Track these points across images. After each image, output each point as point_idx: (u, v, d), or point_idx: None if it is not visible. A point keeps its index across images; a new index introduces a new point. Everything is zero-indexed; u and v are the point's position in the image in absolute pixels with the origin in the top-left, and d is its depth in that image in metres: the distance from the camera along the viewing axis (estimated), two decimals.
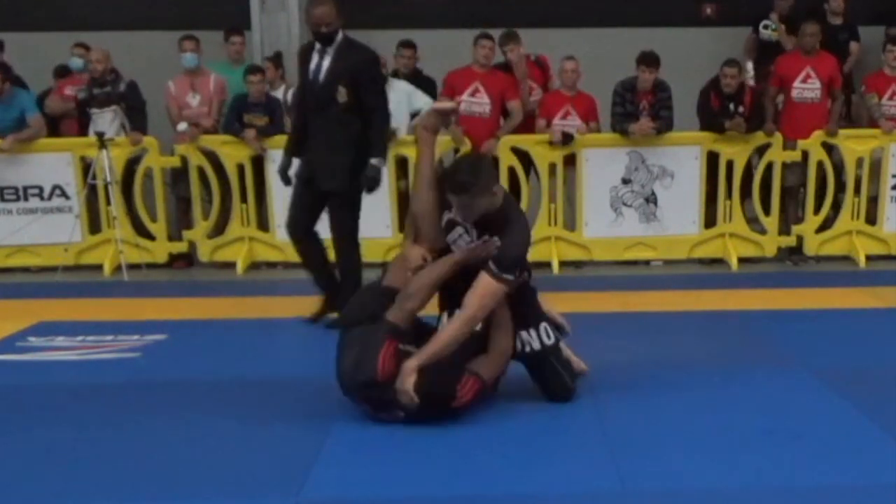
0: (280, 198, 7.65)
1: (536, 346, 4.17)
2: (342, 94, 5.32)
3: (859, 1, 8.93)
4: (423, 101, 7.68)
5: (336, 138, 5.38)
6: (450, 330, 3.93)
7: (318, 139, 5.41)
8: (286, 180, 5.67)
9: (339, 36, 5.36)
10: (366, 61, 5.45)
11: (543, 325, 4.23)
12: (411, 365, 3.78)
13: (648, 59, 7.51)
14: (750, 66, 8.69)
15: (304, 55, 5.49)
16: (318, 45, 5.36)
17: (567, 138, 7.53)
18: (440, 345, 3.86)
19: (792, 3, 8.84)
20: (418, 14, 9.65)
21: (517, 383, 4.38)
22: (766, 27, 8.85)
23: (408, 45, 8.04)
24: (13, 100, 7.62)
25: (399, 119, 7.62)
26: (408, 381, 3.76)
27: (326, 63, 5.35)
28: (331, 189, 5.41)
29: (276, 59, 8.48)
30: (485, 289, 3.92)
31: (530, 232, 4.34)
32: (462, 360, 3.95)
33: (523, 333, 4.17)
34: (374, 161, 5.43)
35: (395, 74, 7.95)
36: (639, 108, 7.56)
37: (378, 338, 3.85)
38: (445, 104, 4.43)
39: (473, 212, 4.03)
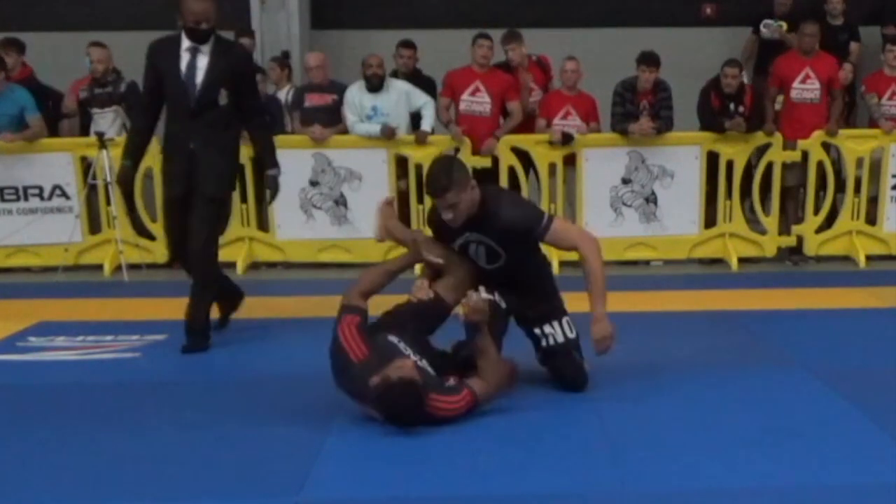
0: (280, 198, 7.62)
1: (560, 339, 4.38)
2: (224, 96, 5.01)
3: (859, 1, 8.94)
4: (422, 100, 7.68)
5: (219, 143, 5.06)
6: (596, 265, 4.45)
7: (196, 144, 4.98)
8: (128, 188, 5.36)
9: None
10: (245, 60, 5.24)
11: (566, 318, 4.44)
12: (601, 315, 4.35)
13: (649, 59, 7.51)
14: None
15: (166, 53, 5.01)
16: (188, 44, 4.96)
17: (567, 138, 7.53)
18: (600, 282, 4.46)
19: (791, 4, 8.85)
20: (418, 14, 9.66)
21: (517, 383, 4.39)
22: (766, 26, 8.86)
23: (407, 45, 8.03)
24: (11, 95, 7.59)
25: (398, 118, 7.63)
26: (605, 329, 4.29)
27: (203, 63, 4.97)
28: (213, 194, 5.06)
29: (283, 59, 8.47)
30: (562, 234, 4.37)
31: (522, 198, 4.62)
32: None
33: (546, 327, 4.37)
34: (271, 172, 5.32)
35: (395, 74, 7.95)
36: (639, 108, 7.56)
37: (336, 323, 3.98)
38: (435, 260, 4.26)
39: (461, 210, 4.07)
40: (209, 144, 5.00)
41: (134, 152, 5.22)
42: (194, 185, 5.02)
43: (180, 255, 5.28)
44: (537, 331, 4.41)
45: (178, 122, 5.03)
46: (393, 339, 3.95)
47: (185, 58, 4.97)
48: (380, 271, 4.30)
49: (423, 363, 3.91)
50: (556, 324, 4.40)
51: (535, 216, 4.24)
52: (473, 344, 4.02)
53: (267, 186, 5.39)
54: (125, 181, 5.31)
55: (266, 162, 5.35)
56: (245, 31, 8.48)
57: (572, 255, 7.63)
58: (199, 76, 4.96)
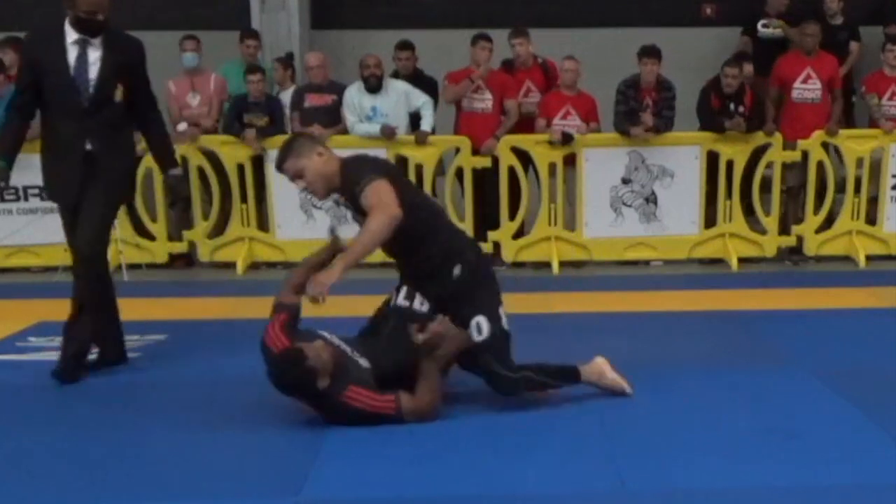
0: (280, 198, 7.67)
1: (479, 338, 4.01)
2: (119, 92, 4.63)
3: (859, 0, 8.93)
4: (421, 100, 7.68)
5: (117, 143, 4.69)
6: (369, 228, 3.84)
7: (94, 146, 4.59)
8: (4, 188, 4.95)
9: None
10: (139, 52, 4.80)
11: (476, 318, 4.02)
12: (338, 266, 3.85)
13: (650, 52, 7.52)
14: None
15: (48, 46, 4.59)
16: (76, 36, 4.54)
17: (567, 138, 7.53)
18: (362, 244, 3.86)
19: (786, 3, 8.85)
20: (418, 14, 9.66)
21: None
22: (765, 25, 8.86)
23: (405, 46, 8.02)
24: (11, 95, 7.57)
25: (398, 119, 7.63)
26: (330, 276, 3.80)
27: (95, 56, 4.56)
28: (115, 199, 4.80)
29: (287, 60, 8.47)
30: (369, 196, 3.88)
31: (378, 162, 4.20)
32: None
33: (478, 317, 4.03)
34: (174, 172, 4.99)
35: (395, 76, 7.94)
36: (642, 105, 7.56)
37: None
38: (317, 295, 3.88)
39: (310, 180, 4.04)
40: (107, 145, 4.62)
41: (8, 153, 4.71)
42: (89, 189, 4.61)
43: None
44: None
45: (68, 122, 4.58)
46: (326, 334, 3.96)
47: (72, 51, 4.54)
48: (303, 266, 4.22)
49: (356, 356, 3.90)
50: (481, 317, 4.02)
51: (359, 177, 3.92)
52: (419, 364, 3.95)
53: (169, 185, 4.98)
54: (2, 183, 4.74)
55: (166, 161, 4.96)
56: (250, 31, 8.46)
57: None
58: (93, 71, 4.56)
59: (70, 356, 4.67)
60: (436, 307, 4.06)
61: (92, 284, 4.70)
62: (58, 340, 5.29)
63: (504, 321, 4.09)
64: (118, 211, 4.85)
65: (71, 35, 4.56)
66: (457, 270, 4.05)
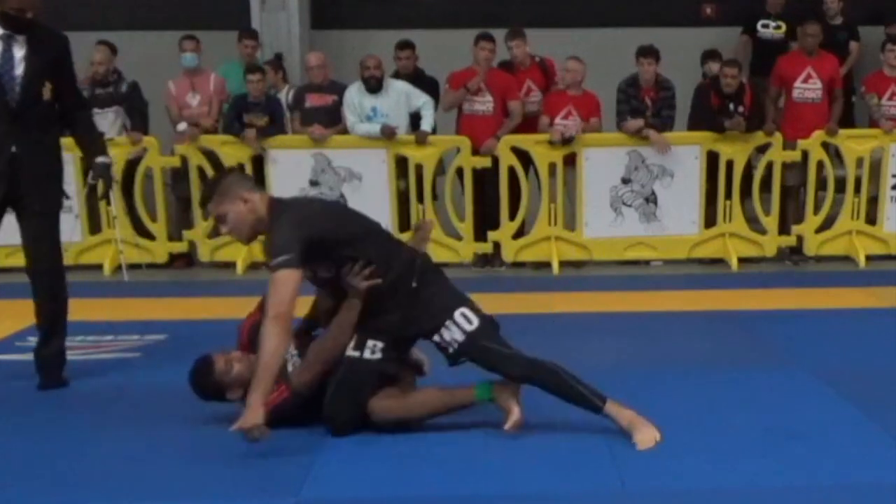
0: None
1: (460, 337, 3.77)
2: (47, 91, 4.41)
3: (859, 1, 8.93)
4: (421, 100, 7.68)
5: (46, 145, 4.51)
6: (264, 351, 3.56)
7: (19, 148, 4.39)
8: None
9: None
10: (66, 48, 4.57)
11: (459, 311, 3.81)
12: (255, 404, 3.54)
13: (647, 51, 7.53)
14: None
15: None
16: (1, 32, 4.33)
17: (567, 140, 7.52)
18: (263, 372, 3.55)
19: (784, 3, 8.85)
20: (418, 14, 9.66)
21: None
22: (765, 26, 8.87)
23: (406, 45, 8.01)
24: None
25: (398, 119, 7.63)
26: (253, 417, 3.53)
27: (20, 53, 4.34)
28: (51, 207, 4.61)
29: (277, 61, 8.46)
30: (272, 283, 3.58)
31: (304, 217, 3.77)
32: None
33: (443, 333, 3.78)
34: (101, 159, 4.74)
35: (396, 76, 7.94)
36: (643, 104, 7.56)
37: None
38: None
39: (231, 224, 3.78)
40: (35, 147, 4.43)
41: None
42: (15, 195, 4.44)
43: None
44: (437, 339, 3.83)
45: None
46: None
47: None
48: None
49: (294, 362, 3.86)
50: (450, 324, 3.79)
51: (276, 250, 3.64)
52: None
53: (97, 175, 4.79)
54: None
55: (95, 151, 4.75)
56: (248, 31, 8.44)
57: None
58: (19, 69, 4.34)
59: (48, 361, 4.64)
60: (393, 340, 3.83)
61: (55, 292, 4.67)
62: None
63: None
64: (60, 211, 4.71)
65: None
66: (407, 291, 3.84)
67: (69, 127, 4.70)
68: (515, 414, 3.73)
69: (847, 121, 8.37)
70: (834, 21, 8.74)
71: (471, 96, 7.65)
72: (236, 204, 3.74)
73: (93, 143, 4.79)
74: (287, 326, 3.59)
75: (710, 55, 8.19)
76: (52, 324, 4.66)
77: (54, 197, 4.64)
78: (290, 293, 3.57)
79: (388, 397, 3.82)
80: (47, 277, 4.61)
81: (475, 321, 3.81)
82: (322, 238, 3.70)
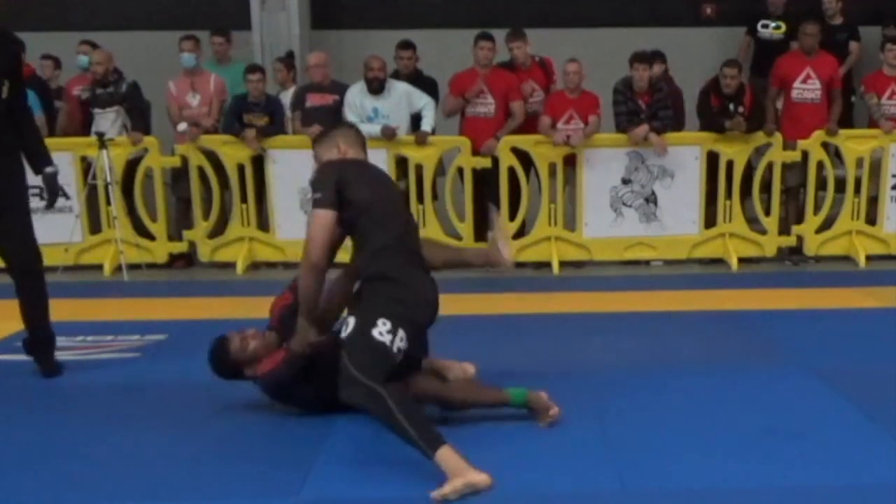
0: (280, 198, 7.67)
1: (343, 334, 3.68)
2: (5, 90, 4.43)
3: (859, 1, 8.94)
4: (422, 101, 7.68)
5: (7, 144, 4.53)
6: (301, 289, 3.82)
7: None
8: None
9: None
10: (18, 50, 4.69)
11: (382, 319, 3.63)
12: (301, 329, 3.85)
13: (641, 57, 7.53)
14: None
15: None
16: None
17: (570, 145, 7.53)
18: (302, 305, 3.81)
19: (784, 3, 8.86)
20: (418, 14, 9.66)
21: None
22: (765, 26, 8.87)
23: (406, 45, 8.01)
24: None
25: (399, 119, 7.63)
26: (301, 341, 3.85)
27: None
28: (20, 205, 4.62)
29: (288, 59, 8.44)
30: (308, 223, 3.79)
31: (342, 165, 3.93)
32: None
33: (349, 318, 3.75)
34: (49, 169, 4.75)
35: (395, 75, 7.94)
36: (638, 106, 7.56)
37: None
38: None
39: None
40: None
41: None
42: None
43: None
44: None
45: None
46: None
47: None
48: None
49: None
50: (351, 319, 3.73)
51: (313, 189, 3.84)
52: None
53: (46, 185, 4.80)
54: None
55: (41, 160, 4.73)
56: (218, 30, 8.32)
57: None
58: None
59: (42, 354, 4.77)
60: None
61: (37, 282, 4.70)
62: (58, 340, 5.30)
63: (384, 335, 3.59)
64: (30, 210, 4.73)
65: None
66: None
67: (15, 128, 4.63)
68: (553, 409, 3.92)
69: (846, 121, 8.37)
70: (834, 21, 8.74)
71: (473, 98, 7.65)
72: (331, 151, 4.01)
73: (40, 148, 4.78)
74: (320, 277, 3.76)
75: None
76: (38, 315, 4.76)
77: (20, 193, 4.63)
78: (321, 237, 3.71)
79: (428, 377, 3.98)
80: (29, 270, 4.62)
81: (350, 330, 3.63)
82: (341, 189, 3.79)
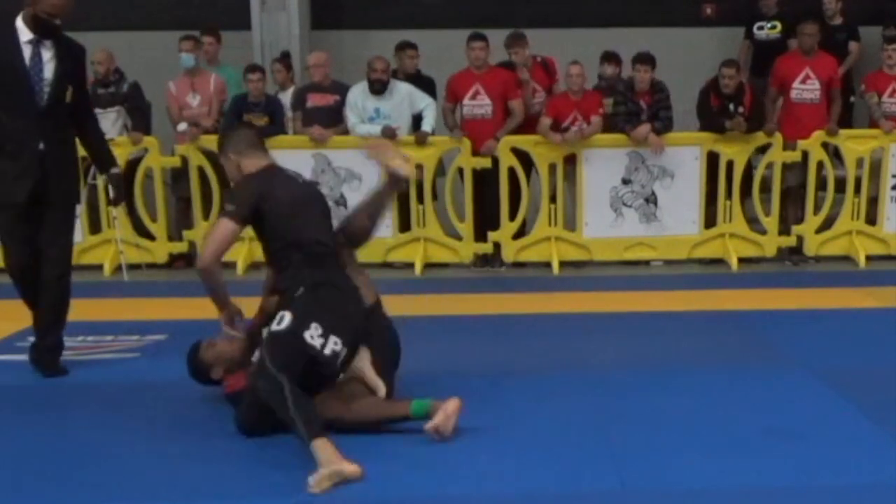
0: None
1: (275, 328, 3.77)
2: (69, 94, 4.64)
3: (859, 1, 8.93)
4: (424, 102, 7.67)
5: (67, 144, 4.74)
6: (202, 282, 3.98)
7: (46, 145, 4.57)
8: None
9: None
10: (84, 56, 4.87)
11: (315, 324, 3.75)
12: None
13: (643, 58, 7.53)
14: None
15: (1, 43, 4.55)
16: (29, 35, 4.53)
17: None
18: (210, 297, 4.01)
19: (778, 4, 8.85)
20: (418, 14, 9.65)
21: (516, 384, 4.39)
22: (760, 28, 8.88)
23: (409, 45, 8.00)
24: None
25: (401, 120, 7.63)
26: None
27: (48, 56, 4.56)
28: (71, 202, 4.86)
29: (284, 59, 8.44)
30: (209, 232, 4.01)
31: (262, 180, 4.01)
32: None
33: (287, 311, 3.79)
34: (114, 170, 5.01)
35: (395, 74, 7.93)
36: (638, 107, 7.56)
37: None
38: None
39: (231, 178, 4.22)
40: (59, 145, 4.65)
41: None
42: (42, 191, 4.60)
43: (24, 272, 4.73)
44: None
45: (20, 121, 4.54)
46: None
47: (26, 51, 4.53)
48: None
49: None
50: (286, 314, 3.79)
51: (225, 202, 4.13)
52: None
53: (113, 185, 5.08)
54: None
55: (106, 161, 4.98)
56: (209, 30, 8.32)
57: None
58: (47, 71, 4.56)
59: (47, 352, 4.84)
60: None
61: (64, 294, 4.81)
62: None
63: (315, 338, 3.70)
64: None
65: (24, 34, 4.54)
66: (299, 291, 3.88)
67: (80, 129, 4.86)
68: (447, 407, 3.72)
69: (846, 121, 8.36)
70: (833, 21, 8.73)
71: (469, 100, 7.65)
72: (228, 158, 4.13)
73: (104, 152, 5.00)
74: (213, 276, 3.96)
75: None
76: (56, 320, 4.82)
77: (74, 191, 4.89)
78: (220, 247, 3.88)
79: (330, 396, 3.82)
80: (58, 270, 4.72)
81: (284, 325, 3.72)
82: (261, 202, 3.90)
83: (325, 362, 3.72)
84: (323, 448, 3.39)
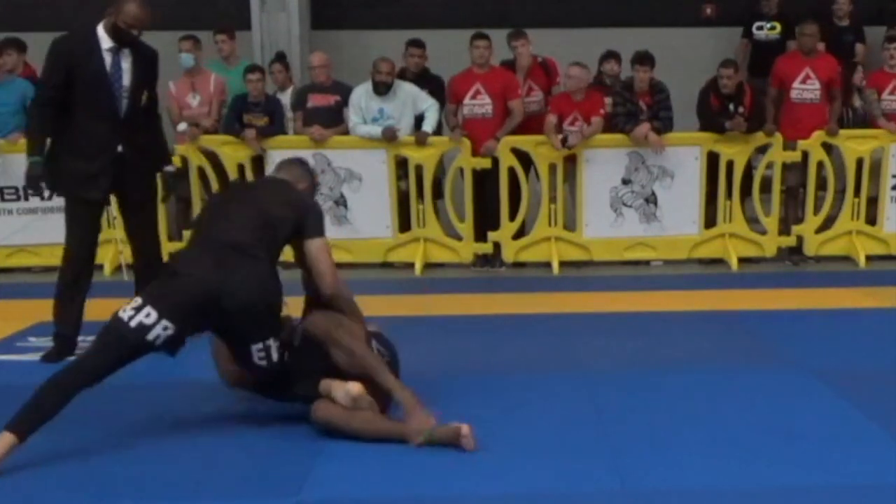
0: None
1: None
2: (145, 98, 5.04)
3: (863, 1, 8.92)
4: (426, 103, 7.67)
5: (143, 146, 5.07)
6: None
7: (124, 148, 4.93)
8: (40, 189, 5.10)
9: None
10: (156, 58, 5.20)
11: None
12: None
13: (643, 59, 7.53)
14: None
15: (84, 52, 4.87)
16: (110, 44, 4.86)
17: (569, 146, 7.52)
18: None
19: (778, 4, 8.85)
20: (419, 14, 9.65)
21: (516, 384, 4.39)
22: (760, 28, 8.88)
23: (417, 44, 7.98)
24: (12, 85, 7.61)
25: (404, 121, 7.62)
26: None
27: (127, 64, 4.92)
28: (150, 199, 5.28)
29: (280, 60, 8.43)
30: (321, 249, 4.00)
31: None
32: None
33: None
34: (169, 168, 5.38)
35: (403, 73, 7.92)
36: (638, 107, 7.56)
37: None
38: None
39: None
40: (135, 148, 4.98)
41: (42, 149, 4.96)
42: (119, 189, 5.02)
43: (80, 263, 5.03)
44: None
45: (100, 125, 4.88)
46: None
47: (107, 58, 4.86)
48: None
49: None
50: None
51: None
52: None
53: (165, 182, 5.37)
54: (40, 179, 4.96)
55: (163, 159, 5.34)
56: (222, 29, 8.32)
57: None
58: (126, 78, 4.90)
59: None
60: None
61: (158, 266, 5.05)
62: None
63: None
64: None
65: (105, 43, 4.85)
66: None
67: (145, 128, 5.15)
68: (463, 430, 3.62)
69: (853, 122, 8.32)
70: (841, 23, 8.70)
71: (470, 100, 7.65)
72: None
73: (162, 151, 5.37)
74: (341, 297, 4.06)
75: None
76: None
77: (152, 189, 5.26)
78: (332, 262, 4.03)
79: (333, 405, 3.76)
80: (151, 265, 5.01)
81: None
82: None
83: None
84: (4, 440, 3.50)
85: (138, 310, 3.75)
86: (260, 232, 3.87)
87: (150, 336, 3.73)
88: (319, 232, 4.01)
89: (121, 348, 3.77)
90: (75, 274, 5.01)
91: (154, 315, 3.72)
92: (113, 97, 4.87)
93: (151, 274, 4.96)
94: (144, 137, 5.07)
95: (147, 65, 5.03)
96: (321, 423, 3.77)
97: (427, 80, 7.89)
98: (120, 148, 4.92)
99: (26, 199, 7.63)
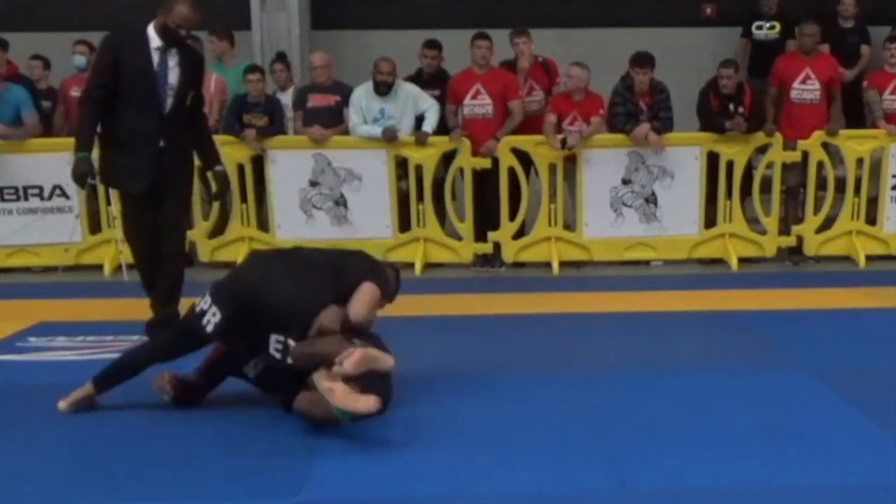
0: (280, 198, 7.68)
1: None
2: (190, 97, 5.20)
3: (867, 1, 8.92)
4: (427, 103, 7.67)
5: (184, 143, 5.25)
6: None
7: (166, 143, 5.11)
8: (86, 185, 5.37)
9: None
10: (202, 63, 5.46)
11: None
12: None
13: (641, 60, 7.51)
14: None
15: (134, 49, 5.06)
16: (159, 42, 5.05)
17: (569, 147, 7.52)
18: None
19: (778, 4, 8.84)
20: (418, 14, 9.66)
21: (515, 384, 4.39)
22: (759, 27, 8.88)
23: (432, 45, 7.96)
24: (7, 95, 7.61)
25: (404, 121, 7.62)
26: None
27: (174, 63, 5.09)
28: (186, 197, 5.57)
29: (280, 60, 8.43)
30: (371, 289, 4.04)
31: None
32: None
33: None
34: (219, 168, 5.54)
35: (419, 73, 7.90)
36: (638, 108, 7.56)
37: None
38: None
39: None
40: (177, 144, 5.15)
41: (90, 145, 5.13)
42: (161, 184, 5.14)
43: (146, 254, 5.26)
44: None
45: (146, 121, 5.05)
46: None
47: (155, 56, 5.04)
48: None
49: None
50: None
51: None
52: None
53: (217, 181, 5.58)
54: (87, 175, 5.13)
55: (213, 158, 5.51)
56: (216, 31, 8.32)
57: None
58: (172, 76, 5.06)
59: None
60: None
61: (181, 271, 5.38)
62: (58, 340, 5.32)
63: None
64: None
65: (154, 41, 5.04)
66: None
67: (193, 127, 5.33)
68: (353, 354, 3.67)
69: (857, 123, 8.30)
70: (846, 24, 8.69)
71: (471, 99, 7.65)
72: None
73: (212, 151, 5.51)
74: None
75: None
76: (173, 294, 5.32)
77: (189, 186, 5.48)
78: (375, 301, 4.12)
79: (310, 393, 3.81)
80: (174, 259, 5.27)
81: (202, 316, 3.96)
82: None
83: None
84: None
85: (203, 296, 4.00)
86: (331, 274, 4.06)
87: (204, 321, 3.95)
88: (380, 283, 4.11)
89: (182, 332, 4.12)
90: (148, 266, 5.26)
91: (208, 300, 3.96)
92: (157, 94, 5.02)
93: (167, 273, 5.27)
94: (188, 136, 5.23)
95: (193, 66, 5.19)
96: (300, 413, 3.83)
97: (443, 82, 7.86)
98: (162, 143, 5.07)
99: (26, 199, 7.64)
